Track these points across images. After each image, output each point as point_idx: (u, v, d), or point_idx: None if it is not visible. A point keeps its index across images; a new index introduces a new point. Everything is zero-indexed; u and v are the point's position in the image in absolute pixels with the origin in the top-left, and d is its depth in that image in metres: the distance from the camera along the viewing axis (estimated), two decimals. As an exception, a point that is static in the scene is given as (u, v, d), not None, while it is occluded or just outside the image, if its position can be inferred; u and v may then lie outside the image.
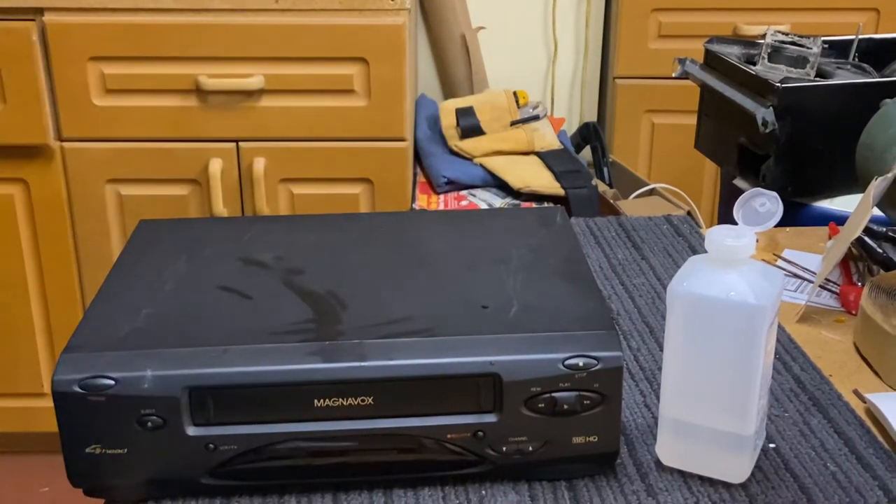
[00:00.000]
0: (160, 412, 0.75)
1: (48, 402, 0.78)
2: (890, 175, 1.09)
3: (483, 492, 0.80)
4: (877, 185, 1.07)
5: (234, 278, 0.88)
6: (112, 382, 0.74)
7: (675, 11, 2.26)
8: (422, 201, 2.01)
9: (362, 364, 0.76)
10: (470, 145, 2.09)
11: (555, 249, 0.93)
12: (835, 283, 1.12)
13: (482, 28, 2.39)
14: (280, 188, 1.97)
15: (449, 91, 2.43)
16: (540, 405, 0.77)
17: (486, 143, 2.10)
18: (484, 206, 1.97)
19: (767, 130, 1.34)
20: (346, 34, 1.87)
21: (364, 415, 0.77)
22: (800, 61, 1.46)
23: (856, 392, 0.93)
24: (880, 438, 0.86)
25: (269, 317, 0.81)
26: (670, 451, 0.82)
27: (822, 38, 1.47)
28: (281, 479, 0.80)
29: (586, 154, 2.38)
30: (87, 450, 0.77)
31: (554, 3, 2.43)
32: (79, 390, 0.74)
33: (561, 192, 1.96)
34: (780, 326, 0.96)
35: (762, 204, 0.78)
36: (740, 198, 0.78)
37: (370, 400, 0.76)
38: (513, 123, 2.15)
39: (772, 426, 0.87)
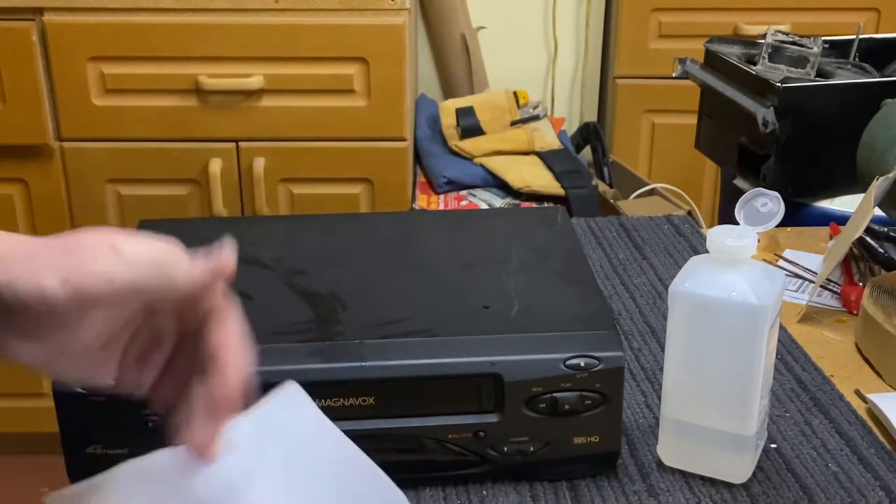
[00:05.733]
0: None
1: (49, 402, 0.77)
2: (891, 175, 1.09)
3: (484, 492, 0.80)
4: (878, 185, 1.07)
5: (235, 278, 0.88)
6: (113, 382, 0.74)
7: (675, 11, 2.26)
8: (422, 201, 2.00)
9: (363, 364, 0.75)
10: (470, 145, 2.09)
11: (556, 249, 0.93)
12: (836, 283, 1.12)
13: (482, 28, 2.38)
14: (280, 188, 1.96)
15: (449, 91, 2.42)
16: (541, 405, 0.77)
17: (486, 143, 2.10)
18: (484, 206, 1.97)
19: (768, 130, 1.34)
20: (346, 34, 1.87)
21: (365, 415, 0.76)
22: (800, 61, 1.46)
23: (857, 392, 0.93)
24: (882, 438, 0.86)
25: (270, 317, 0.81)
26: (672, 451, 0.82)
27: (823, 38, 1.47)
28: (282, 480, 0.80)
29: (586, 154, 2.37)
30: (88, 450, 0.76)
31: (554, 3, 2.43)
32: (80, 390, 0.73)
33: (561, 192, 1.96)
34: (781, 326, 0.96)
35: (764, 204, 0.77)
36: (742, 198, 0.78)
37: (371, 400, 0.76)
38: (513, 123, 2.15)
39: (773, 426, 0.87)
